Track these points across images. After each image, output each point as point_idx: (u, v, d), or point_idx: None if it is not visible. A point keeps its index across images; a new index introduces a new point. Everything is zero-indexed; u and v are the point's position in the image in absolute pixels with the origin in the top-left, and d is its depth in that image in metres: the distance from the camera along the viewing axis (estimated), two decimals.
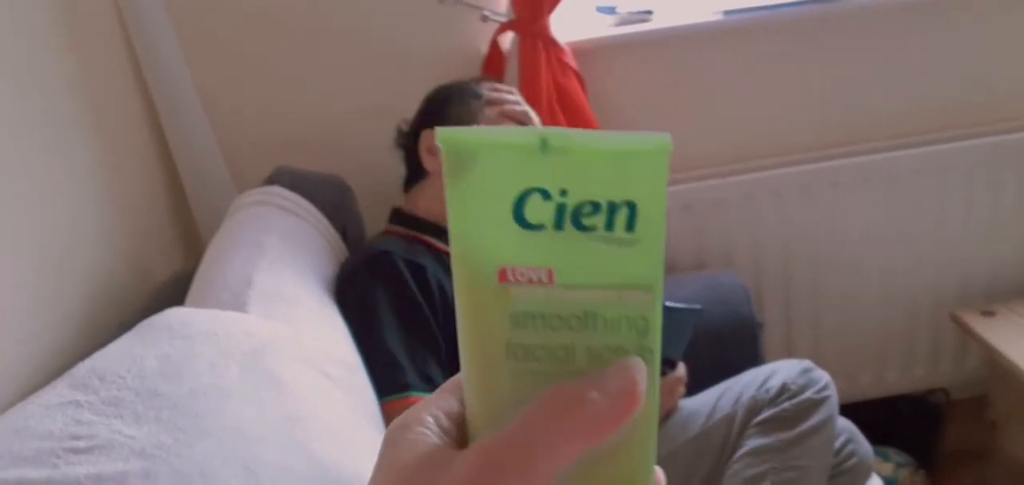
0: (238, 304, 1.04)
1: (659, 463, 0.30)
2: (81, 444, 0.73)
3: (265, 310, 1.05)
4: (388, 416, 1.09)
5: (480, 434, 0.29)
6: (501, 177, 0.27)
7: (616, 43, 1.66)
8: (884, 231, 1.74)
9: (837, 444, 1.27)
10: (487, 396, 0.29)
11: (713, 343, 1.41)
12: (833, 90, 1.71)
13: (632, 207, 0.27)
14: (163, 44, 1.47)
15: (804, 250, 1.75)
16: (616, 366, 0.28)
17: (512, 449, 0.26)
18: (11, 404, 0.80)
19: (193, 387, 0.83)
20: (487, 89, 1.37)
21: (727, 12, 1.64)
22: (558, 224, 0.28)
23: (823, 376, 1.25)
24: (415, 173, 1.38)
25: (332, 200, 1.41)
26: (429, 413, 0.30)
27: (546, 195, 0.27)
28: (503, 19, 1.57)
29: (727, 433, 1.26)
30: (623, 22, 1.68)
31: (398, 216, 1.39)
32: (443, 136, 0.27)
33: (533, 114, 1.37)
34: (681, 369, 1.32)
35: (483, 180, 0.27)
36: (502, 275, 0.28)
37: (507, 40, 1.60)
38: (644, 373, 0.28)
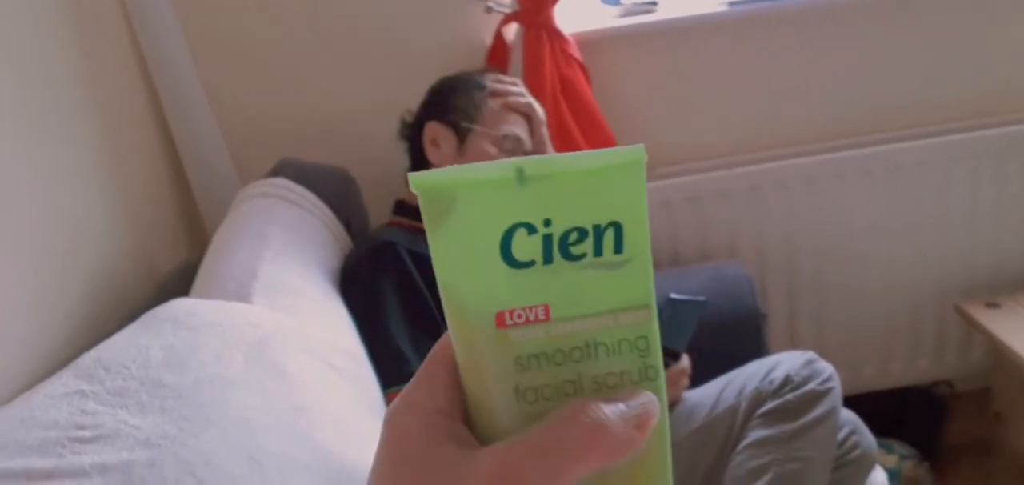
0: (243, 295, 1.04)
1: None
2: (86, 434, 0.73)
3: (270, 301, 1.05)
4: None
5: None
6: (483, 217, 0.27)
7: (621, 34, 1.66)
8: (889, 223, 1.74)
9: (841, 436, 1.27)
10: (500, 437, 0.28)
11: (717, 334, 1.41)
12: (838, 82, 1.70)
13: (618, 228, 0.27)
14: (168, 37, 1.47)
15: (809, 242, 1.75)
16: (628, 390, 0.28)
17: (531, 458, 0.26)
18: (17, 396, 0.81)
19: (198, 377, 0.84)
20: (491, 81, 1.36)
21: (732, 3, 1.63)
22: (547, 258, 0.27)
23: (827, 368, 1.25)
24: (419, 165, 1.38)
25: (336, 192, 1.41)
26: (430, 399, 0.29)
27: (531, 229, 0.27)
28: (507, 10, 1.57)
29: (731, 424, 1.26)
30: (628, 13, 1.67)
31: (402, 208, 1.39)
32: (417, 182, 0.27)
33: (537, 106, 1.36)
34: (685, 361, 1.32)
35: (465, 222, 0.27)
36: (500, 320, 0.28)
37: (511, 31, 1.59)
38: (655, 403, 0.28)
